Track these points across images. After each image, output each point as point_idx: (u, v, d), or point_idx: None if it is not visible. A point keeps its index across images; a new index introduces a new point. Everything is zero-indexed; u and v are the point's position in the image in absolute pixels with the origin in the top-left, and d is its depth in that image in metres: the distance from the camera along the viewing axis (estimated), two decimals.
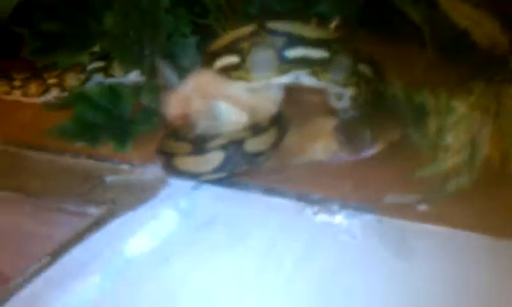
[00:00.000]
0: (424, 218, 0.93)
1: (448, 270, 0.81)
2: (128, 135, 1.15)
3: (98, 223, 0.86)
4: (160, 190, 0.97)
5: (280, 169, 1.02)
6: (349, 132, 1.05)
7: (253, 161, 0.99)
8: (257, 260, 0.83)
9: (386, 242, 0.85)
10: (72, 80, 1.41)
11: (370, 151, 1.06)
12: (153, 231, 0.85)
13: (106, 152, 1.11)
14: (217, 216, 0.90)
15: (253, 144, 0.97)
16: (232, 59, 1.01)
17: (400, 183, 1.01)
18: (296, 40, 0.99)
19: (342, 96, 1.07)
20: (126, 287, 0.75)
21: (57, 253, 0.78)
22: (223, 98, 0.99)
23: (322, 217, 0.90)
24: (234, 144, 0.96)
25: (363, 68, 1.06)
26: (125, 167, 1.05)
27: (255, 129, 0.98)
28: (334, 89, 1.05)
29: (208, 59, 1.05)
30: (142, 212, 0.90)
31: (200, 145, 0.97)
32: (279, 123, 1.01)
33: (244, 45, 1.00)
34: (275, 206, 0.94)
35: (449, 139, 1.07)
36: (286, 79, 1.01)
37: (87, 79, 1.39)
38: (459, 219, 0.92)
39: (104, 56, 1.38)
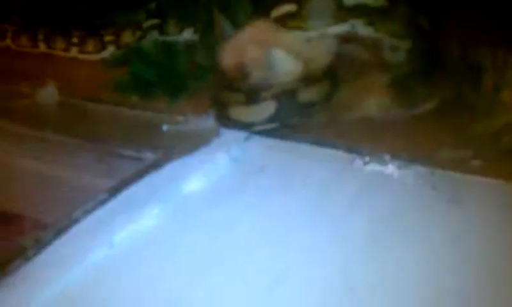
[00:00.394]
0: (476, 172, 0.92)
1: (500, 221, 0.80)
2: (183, 91, 1.18)
3: (155, 165, 0.88)
4: (213, 139, 0.99)
5: (331, 123, 1.03)
6: (403, 88, 1.03)
7: (305, 112, 1.00)
8: (307, 206, 0.84)
9: (438, 191, 0.84)
10: (127, 37, 1.44)
11: (424, 107, 1.05)
12: (206, 174, 0.87)
13: (161, 106, 1.14)
14: (267, 164, 0.92)
15: (306, 95, 0.98)
16: (289, 7, 1.01)
17: (454, 139, 1.00)
18: None
19: (398, 49, 1.05)
20: (181, 221, 0.78)
21: (114, 190, 0.81)
22: (278, 47, 0.99)
23: (373, 167, 0.90)
24: (287, 94, 0.97)
25: (421, 20, 1.04)
26: (180, 118, 1.07)
27: (308, 79, 0.98)
28: (390, 41, 1.04)
29: (265, 8, 1.05)
30: (196, 156, 0.92)
31: (253, 95, 0.99)
32: (332, 75, 1.01)
33: None
34: (325, 156, 0.95)
35: (505, 96, 1.05)
36: (342, 28, 1.00)
37: (142, 37, 1.42)
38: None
39: (160, 14, 1.40)
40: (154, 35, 1.42)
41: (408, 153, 0.95)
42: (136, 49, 1.33)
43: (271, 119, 0.98)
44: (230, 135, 1.01)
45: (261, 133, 1.02)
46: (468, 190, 0.85)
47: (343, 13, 0.99)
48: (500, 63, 1.07)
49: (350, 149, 0.96)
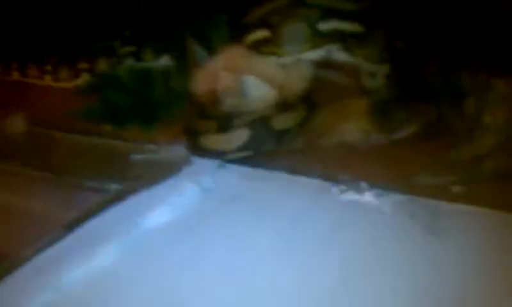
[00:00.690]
0: (457, 199, 0.88)
1: (481, 250, 0.76)
2: (157, 118, 1.13)
3: (119, 197, 0.84)
4: (184, 169, 0.94)
5: (307, 150, 0.99)
6: (381, 113, 1.00)
7: (279, 139, 0.96)
8: (279, 239, 0.79)
9: (417, 220, 0.80)
10: (103, 64, 1.40)
11: (403, 133, 1.02)
12: (173, 206, 0.83)
13: (133, 134, 1.09)
14: (239, 194, 0.87)
15: (280, 121, 0.94)
16: (263, 33, 0.98)
17: (434, 165, 0.97)
18: (329, 12, 0.95)
19: (375, 74, 1.02)
20: (141, 258, 0.73)
21: (71, 225, 0.77)
22: (252, 73, 0.96)
23: (350, 196, 0.86)
24: (261, 122, 0.94)
25: (398, 44, 1.01)
26: (150, 146, 1.02)
27: (283, 106, 0.94)
28: (367, 66, 1.01)
29: (239, 33, 1.02)
30: (164, 187, 0.88)
31: (225, 123, 0.95)
32: (308, 100, 0.98)
33: (276, 18, 0.97)
34: (300, 185, 0.91)
35: (487, 119, 1.02)
36: (318, 54, 0.97)
37: (118, 64, 1.38)
38: (495, 200, 0.87)
39: (136, 40, 1.37)
40: (130, 62, 1.38)
41: (386, 180, 0.91)
42: (110, 76, 1.29)
43: (244, 147, 0.94)
44: (202, 164, 0.96)
45: (235, 161, 0.97)
46: (449, 219, 0.81)
47: (318, 38, 0.95)
48: (482, 86, 1.03)
49: (326, 177, 0.92)
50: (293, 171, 0.94)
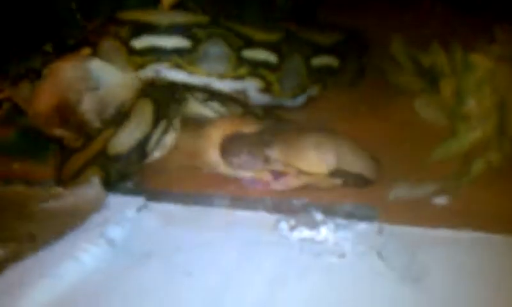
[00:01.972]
0: (441, 217, 0.68)
1: (475, 293, 0.56)
2: None
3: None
4: (95, 215, 0.74)
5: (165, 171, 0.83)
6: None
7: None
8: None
9: (388, 262, 0.60)
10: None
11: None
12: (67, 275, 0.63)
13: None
14: (158, 245, 0.67)
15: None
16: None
17: (410, 171, 0.77)
18: (142, 28, 0.82)
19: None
20: None
21: None
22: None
23: (301, 232, 0.66)
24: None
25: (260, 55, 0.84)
26: (59, 190, 0.82)
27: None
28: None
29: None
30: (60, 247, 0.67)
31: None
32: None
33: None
34: (240, 221, 0.71)
35: (470, 103, 0.81)
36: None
37: None
38: (490, 214, 0.68)
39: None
40: None
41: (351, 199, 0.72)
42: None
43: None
44: (119, 206, 0.76)
45: (160, 197, 0.77)
46: (429, 252, 0.61)
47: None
48: (458, 62, 0.83)
49: (273, 209, 0.72)
50: (233, 204, 0.74)
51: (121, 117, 0.81)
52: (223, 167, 0.79)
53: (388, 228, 0.65)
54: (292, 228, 0.67)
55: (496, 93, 0.79)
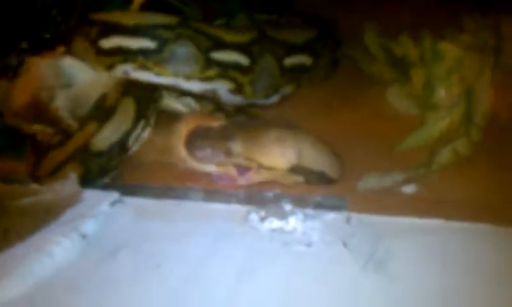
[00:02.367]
0: (409, 206, 0.70)
1: (440, 280, 0.58)
2: None
3: None
4: (69, 210, 0.75)
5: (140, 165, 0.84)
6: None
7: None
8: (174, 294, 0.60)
9: (354, 251, 0.61)
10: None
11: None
12: (38, 269, 0.64)
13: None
14: (130, 238, 0.68)
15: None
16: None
17: (380, 161, 0.78)
18: (111, 28, 0.80)
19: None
20: None
21: None
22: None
23: (271, 223, 0.67)
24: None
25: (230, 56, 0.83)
26: (35, 187, 0.82)
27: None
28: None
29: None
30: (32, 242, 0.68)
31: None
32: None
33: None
34: (212, 213, 0.72)
35: (440, 92, 0.82)
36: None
37: None
38: (458, 202, 0.69)
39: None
40: None
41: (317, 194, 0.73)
42: None
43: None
44: (94, 200, 0.77)
45: (135, 191, 0.78)
46: (396, 241, 0.62)
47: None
48: (427, 51, 0.84)
49: (244, 201, 0.73)
50: (206, 197, 0.75)
51: (100, 114, 0.81)
52: (192, 162, 0.79)
53: (356, 217, 0.66)
54: (263, 219, 0.68)
55: (464, 82, 0.80)
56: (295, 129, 0.78)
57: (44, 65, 0.82)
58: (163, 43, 0.79)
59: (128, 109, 0.80)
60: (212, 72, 0.81)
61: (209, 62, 0.80)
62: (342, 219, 0.67)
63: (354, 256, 0.60)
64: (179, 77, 0.81)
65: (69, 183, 0.80)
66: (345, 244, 0.62)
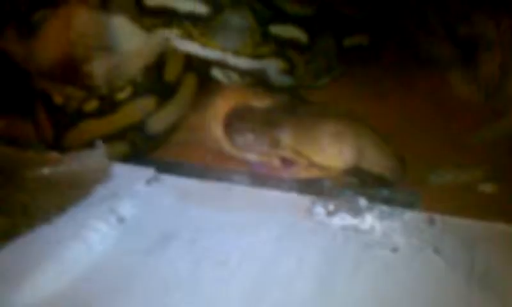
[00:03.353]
0: (490, 207, 0.62)
1: None
2: None
3: None
4: (98, 187, 0.65)
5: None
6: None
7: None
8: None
9: (449, 259, 0.53)
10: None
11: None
12: (74, 259, 0.54)
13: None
14: (175, 226, 0.58)
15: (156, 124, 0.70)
16: None
17: (452, 155, 0.70)
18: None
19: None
20: None
21: None
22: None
23: (342, 219, 0.59)
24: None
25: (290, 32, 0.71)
26: (55, 155, 0.72)
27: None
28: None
29: None
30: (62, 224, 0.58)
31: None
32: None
33: None
34: (266, 202, 0.63)
35: None
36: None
37: None
38: None
39: None
40: None
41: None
42: None
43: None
44: (127, 178, 0.67)
45: (172, 168, 0.69)
46: (494, 253, 0.54)
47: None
48: (508, 35, 0.76)
49: (305, 190, 0.64)
50: (253, 182, 0.66)
51: (159, 88, 0.70)
52: (226, 146, 0.69)
53: (440, 218, 0.58)
54: (331, 214, 0.59)
55: None
56: (353, 121, 0.68)
57: (85, 18, 0.70)
58: (217, 9, 0.67)
59: (191, 86, 0.69)
60: (266, 49, 0.70)
61: (266, 37, 0.69)
62: (422, 219, 0.58)
63: (452, 267, 0.52)
64: (227, 51, 0.70)
65: (96, 153, 0.70)
66: (436, 251, 0.54)
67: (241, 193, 0.64)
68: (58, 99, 0.70)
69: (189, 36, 0.69)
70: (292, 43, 0.71)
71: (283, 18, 0.70)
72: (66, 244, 0.55)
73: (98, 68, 0.68)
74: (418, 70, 0.83)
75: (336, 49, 0.75)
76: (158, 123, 0.69)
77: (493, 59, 0.76)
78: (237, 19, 0.68)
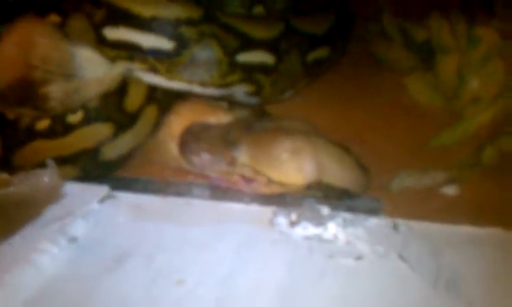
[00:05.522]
0: (454, 210, 0.61)
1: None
2: None
3: None
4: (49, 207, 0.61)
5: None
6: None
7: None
8: None
9: (415, 264, 0.52)
10: None
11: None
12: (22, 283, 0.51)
13: None
14: (129, 245, 0.56)
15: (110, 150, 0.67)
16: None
17: (410, 157, 0.69)
18: (120, 15, 0.64)
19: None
20: None
21: None
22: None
23: (304, 229, 0.57)
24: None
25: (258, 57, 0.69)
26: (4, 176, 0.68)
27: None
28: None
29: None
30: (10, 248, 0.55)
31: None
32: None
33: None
34: (228, 215, 0.60)
35: (474, 83, 0.74)
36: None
37: None
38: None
39: None
40: None
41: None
42: None
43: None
44: (79, 195, 0.64)
45: (127, 185, 0.66)
46: (459, 256, 0.53)
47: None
48: (462, 36, 0.75)
49: (267, 201, 0.62)
50: (213, 195, 0.64)
51: (119, 117, 0.66)
52: (184, 164, 0.66)
53: (403, 223, 0.56)
54: (293, 224, 0.57)
55: (506, 71, 0.71)
56: (314, 137, 0.64)
57: (49, 44, 0.65)
58: (183, 45, 0.64)
59: (151, 118, 0.67)
60: (234, 77, 0.67)
61: (233, 67, 0.66)
62: (386, 225, 0.57)
63: (417, 273, 0.50)
64: (193, 83, 0.67)
65: (47, 172, 0.67)
66: (401, 257, 0.52)
67: (201, 207, 0.62)
68: (10, 114, 0.67)
69: (153, 71, 0.65)
70: (261, 67, 0.69)
71: (251, 44, 0.67)
72: (14, 267, 0.51)
73: (55, 92, 0.65)
74: (378, 77, 0.83)
75: (301, 65, 0.73)
76: (112, 151, 0.65)
77: (451, 63, 0.75)
78: (204, 53, 0.65)
